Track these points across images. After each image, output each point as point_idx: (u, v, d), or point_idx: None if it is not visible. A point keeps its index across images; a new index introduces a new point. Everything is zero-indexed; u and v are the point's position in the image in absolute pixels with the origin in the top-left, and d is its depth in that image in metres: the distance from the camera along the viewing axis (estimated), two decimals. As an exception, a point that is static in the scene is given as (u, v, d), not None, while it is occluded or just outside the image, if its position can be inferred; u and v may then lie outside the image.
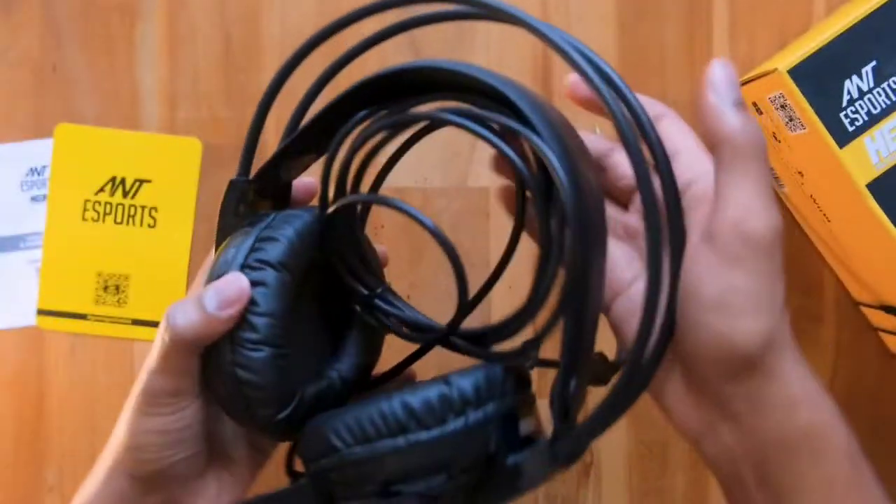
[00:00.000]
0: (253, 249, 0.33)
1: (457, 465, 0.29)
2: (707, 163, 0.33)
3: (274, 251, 0.33)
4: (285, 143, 0.36)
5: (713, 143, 0.31)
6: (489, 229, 0.50)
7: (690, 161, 0.33)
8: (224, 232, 0.35)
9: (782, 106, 0.41)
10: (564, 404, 0.30)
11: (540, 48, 0.50)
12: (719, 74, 0.31)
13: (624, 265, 0.36)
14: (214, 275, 0.33)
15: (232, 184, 0.35)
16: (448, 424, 0.30)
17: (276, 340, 0.32)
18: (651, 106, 0.34)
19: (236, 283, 0.32)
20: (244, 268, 0.33)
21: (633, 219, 0.36)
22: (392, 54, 0.50)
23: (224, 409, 0.34)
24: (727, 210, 0.30)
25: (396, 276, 0.50)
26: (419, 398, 0.30)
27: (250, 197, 0.36)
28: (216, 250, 0.35)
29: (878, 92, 0.40)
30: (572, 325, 0.29)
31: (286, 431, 0.34)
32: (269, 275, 0.33)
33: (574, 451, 0.31)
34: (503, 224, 0.51)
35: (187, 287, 0.50)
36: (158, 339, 0.33)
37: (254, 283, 0.32)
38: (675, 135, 0.34)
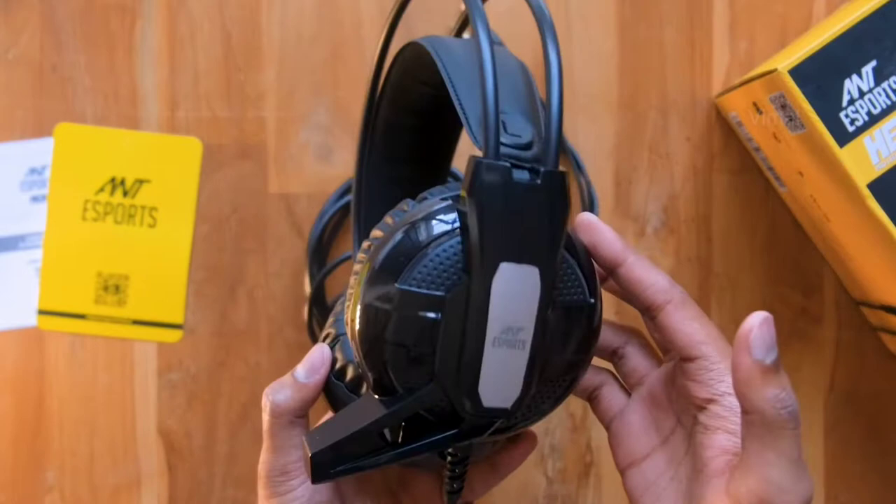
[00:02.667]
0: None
1: None
2: (728, 373, 0.31)
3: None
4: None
5: (745, 408, 0.29)
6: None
7: (714, 371, 0.32)
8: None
9: (782, 106, 0.41)
10: None
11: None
12: (756, 333, 0.29)
13: (641, 433, 0.35)
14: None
15: None
16: None
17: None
18: (661, 290, 0.33)
19: (319, 351, 0.35)
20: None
21: (657, 385, 0.36)
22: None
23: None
24: (754, 482, 0.29)
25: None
26: None
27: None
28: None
29: (878, 92, 0.40)
30: None
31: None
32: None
33: None
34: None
35: (187, 287, 0.50)
36: (264, 424, 0.35)
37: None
38: (686, 328, 0.33)
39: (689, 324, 0.33)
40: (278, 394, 0.34)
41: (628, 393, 0.36)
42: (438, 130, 0.42)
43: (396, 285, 0.29)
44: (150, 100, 0.50)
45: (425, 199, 0.31)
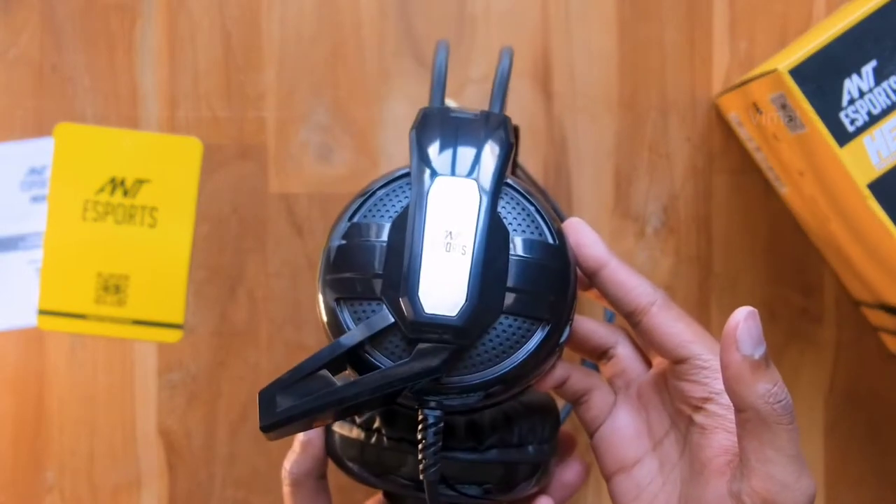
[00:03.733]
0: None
1: None
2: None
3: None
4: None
5: (737, 406, 0.29)
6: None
7: (708, 369, 0.32)
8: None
9: (783, 106, 0.41)
10: None
11: (540, 43, 0.50)
12: (743, 328, 0.28)
13: (631, 438, 0.35)
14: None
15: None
16: None
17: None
18: (643, 293, 0.33)
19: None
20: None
21: (647, 388, 0.35)
22: (392, 53, 0.50)
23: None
24: (755, 481, 0.29)
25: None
26: None
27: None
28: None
29: (878, 92, 0.40)
30: None
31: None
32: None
33: None
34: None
35: (187, 287, 0.50)
36: (285, 497, 0.36)
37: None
38: (672, 329, 0.33)
39: (674, 324, 0.33)
40: (287, 461, 0.35)
41: (613, 396, 0.36)
42: None
43: (347, 222, 0.31)
44: (150, 100, 0.50)
45: None
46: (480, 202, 0.30)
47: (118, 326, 0.50)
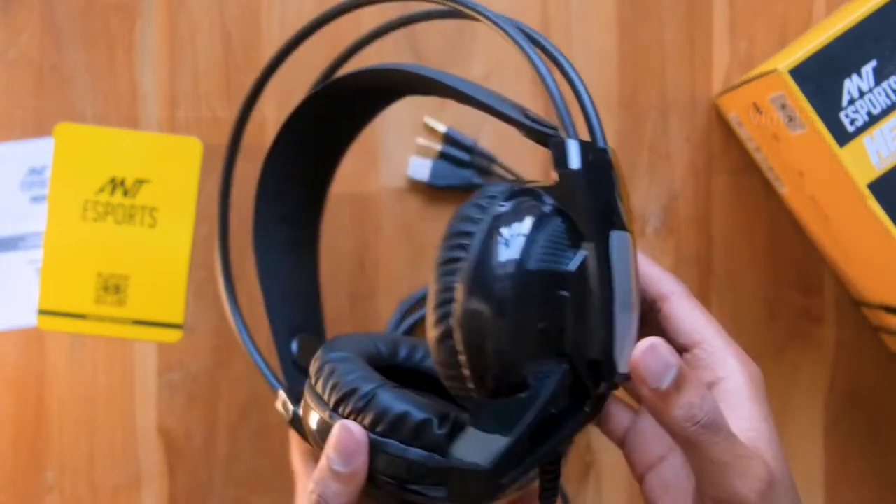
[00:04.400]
0: (315, 383, 0.34)
1: None
2: (732, 357, 0.32)
3: (339, 367, 0.34)
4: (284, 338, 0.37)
5: (666, 431, 0.30)
6: (489, 229, 0.50)
7: (715, 356, 0.32)
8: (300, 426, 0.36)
9: (783, 106, 0.41)
10: None
11: (540, 31, 0.50)
12: (643, 365, 0.28)
13: (655, 437, 0.34)
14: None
15: (279, 402, 0.37)
16: None
17: (375, 380, 0.33)
18: (666, 283, 0.34)
19: (347, 436, 0.32)
20: (319, 390, 0.34)
21: None
22: (392, 53, 0.50)
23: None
24: (704, 489, 0.30)
25: (396, 277, 0.50)
26: None
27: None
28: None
29: (878, 92, 0.40)
30: None
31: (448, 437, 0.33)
32: (339, 366, 0.34)
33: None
34: (503, 224, 0.51)
35: (187, 287, 0.50)
36: None
37: (329, 376, 0.34)
38: (688, 316, 0.33)
39: (692, 312, 0.33)
40: (328, 488, 0.32)
41: (630, 407, 0.36)
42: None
43: (515, 269, 0.28)
44: (150, 100, 0.50)
45: (489, 194, 0.31)
46: (634, 254, 0.30)
47: (118, 326, 0.50)
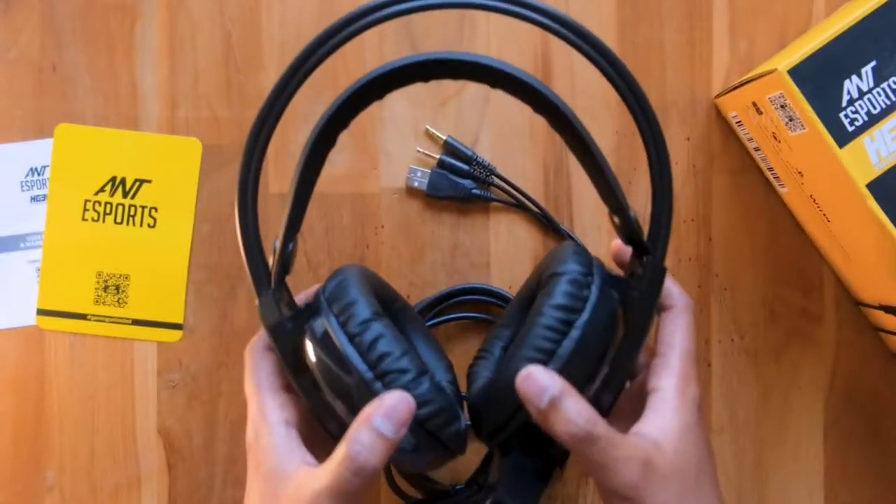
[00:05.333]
0: (344, 323, 0.36)
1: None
2: (675, 375, 0.37)
3: (362, 309, 0.36)
4: (284, 236, 0.37)
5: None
6: (489, 228, 0.50)
7: (666, 369, 0.37)
8: (287, 341, 0.36)
9: (782, 106, 0.41)
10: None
11: (540, 42, 0.50)
12: (524, 392, 0.34)
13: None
14: (347, 384, 0.35)
15: (263, 305, 0.37)
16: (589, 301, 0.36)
17: (423, 367, 0.36)
18: (673, 297, 0.39)
19: (404, 403, 0.34)
20: (353, 338, 0.35)
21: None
22: (392, 53, 0.50)
23: (406, 463, 0.37)
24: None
25: (397, 276, 0.50)
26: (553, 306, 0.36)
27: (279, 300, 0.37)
28: (286, 360, 0.36)
29: (877, 92, 0.40)
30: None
31: (465, 441, 0.37)
32: (377, 326, 0.36)
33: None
34: (503, 224, 0.51)
35: (187, 287, 0.50)
36: (329, 476, 0.34)
37: (374, 341, 0.35)
38: (669, 329, 0.38)
39: (675, 328, 0.38)
40: (371, 456, 0.33)
41: None
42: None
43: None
44: (150, 100, 0.51)
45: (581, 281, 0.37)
46: None
47: (118, 326, 0.50)
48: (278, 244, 0.37)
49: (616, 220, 0.37)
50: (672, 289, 0.39)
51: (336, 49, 0.34)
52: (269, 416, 0.37)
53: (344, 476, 0.33)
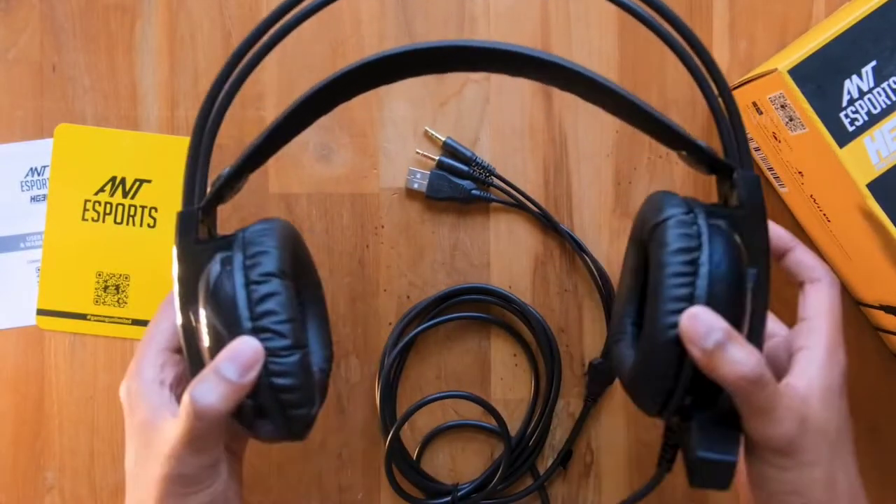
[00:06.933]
0: (248, 267, 0.34)
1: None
2: (824, 338, 0.37)
3: (270, 262, 0.34)
4: (238, 165, 0.36)
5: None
6: (489, 228, 0.50)
7: (814, 333, 0.37)
8: (190, 260, 0.35)
9: (782, 106, 0.41)
10: None
11: (540, 37, 0.50)
12: (687, 332, 0.33)
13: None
14: (222, 331, 0.34)
15: (183, 216, 0.35)
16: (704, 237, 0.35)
17: (303, 342, 0.34)
18: (816, 271, 0.39)
19: (250, 348, 0.33)
20: (249, 284, 0.34)
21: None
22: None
23: (251, 428, 0.35)
24: (756, 431, 0.35)
25: (396, 276, 0.50)
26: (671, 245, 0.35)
27: (201, 221, 0.36)
28: (181, 279, 0.35)
29: (878, 92, 0.40)
30: None
31: (309, 428, 0.36)
32: (276, 283, 0.34)
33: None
34: (503, 224, 0.51)
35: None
36: (180, 424, 0.33)
37: (268, 296, 0.34)
38: (815, 299, 0.38)
39: (821, 299, 0.38)
40: (208, 396, 0.32)
41: None
42: None
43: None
44: (150, 100, 0.50)
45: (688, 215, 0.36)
46: None
47: (118, 326, 0.50)
48: (227, 170, 0.36)
49: (685, 154, 0.37)
50: (814, 262, 0.39)
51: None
52: (142, 373, 0.36)
53: (189, 421, 0.33)
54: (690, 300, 0.34)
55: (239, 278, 0.34)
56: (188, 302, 0.35)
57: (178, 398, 0.36)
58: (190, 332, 0.35)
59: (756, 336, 0.35)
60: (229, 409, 0.33)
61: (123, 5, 0.50)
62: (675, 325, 0.34)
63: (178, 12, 0.50)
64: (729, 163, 0.36)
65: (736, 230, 0.35)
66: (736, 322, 0.34)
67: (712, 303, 0.34)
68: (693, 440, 0.35)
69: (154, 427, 0.34)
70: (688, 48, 0.35)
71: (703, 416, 0.35)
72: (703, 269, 0.34)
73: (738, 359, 0.33)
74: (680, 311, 0.34)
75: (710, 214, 0.35)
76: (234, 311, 0.34)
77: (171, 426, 0.34)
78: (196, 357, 0.35)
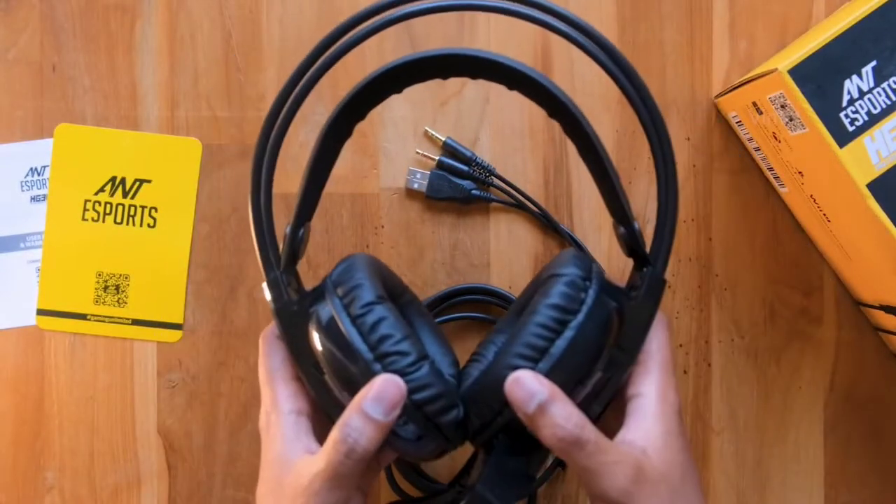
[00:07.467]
0: (347, 304, 0.36)
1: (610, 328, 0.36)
2: (655, 382, 0.37)
3: (366, 293, 0.36)
4: (295, 221, 0.37)
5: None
6: (489, 228, 0.50)
7: (646, 376, 0.37)
8: (291, 323, 0.37)
9: (782, 106, 0.41)
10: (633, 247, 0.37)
11: (540, 41, 0.50)
12: (512, 397, 0.34)
13: None
14: (348, 368, 0.35)
15: (270, 284, 0.37)
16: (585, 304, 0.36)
17: (424, 353, 0.36)
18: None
19: (394, 385, 0.35)
20: (355, 320, 0.35)
21: None
22: (392, 53, 0.50)
23: (403, 449, 0.37)
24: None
25: (396, 276, 0.50)
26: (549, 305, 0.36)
27: (287, 284, 0.37)
28: (289, 343, 0.37)
29: (878, 92, 0.40)
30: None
31: (463, 429, 0.37)
32: (380, 309, 0.36)
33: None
34: (503, 224, 0.51)
35: (187, 287, 0.50)
36: (323, 460, 0.34)
37: (376, 323, 0.35)
38: (650, 342, 0.38)
39: (655, 338, 0.38)
40: (362, 439, 0.34)
41: None
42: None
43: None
44: (150, 100, 0.50)
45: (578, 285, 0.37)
46: None
47: (118, 326, 0.50)
48: (289, 229, 0.37)
49: (621, 230, 0.37)
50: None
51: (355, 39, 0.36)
52: (279, 406, 0.37)
53: (336, 459, 0.34)
54: (543, 354, 0.35)
55: (345, 318, 0.36)
56: (303, 359, 0.37)
57: (314, 428, 0.37)
58: (317, 383, 0.36)
59: (592, 407, 0.36)
60: (377, 447, 0.35)
61: (123, 5, 0.50)
62: (515, 368, 0.35)
63: (178, 12, 0.50)
64: (648, 257, 0.37)
65: (619, 317, 0.37)
66: (573, 387, 0.35)
67: (561, 365, 0.35)
68: (482, 473, 0.36)
69: (290, 462, 0.36)
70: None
71: (504, 458, 0.36)
72: (568, 333, 0.35)
73: (556, 422, 0.33)
74: (528, 359, 0.35)
75: (604, 289, 0.37)
76: (353, 349, 0.35)
77: (308, 461, 0.35)
78: (331, 403, 0.36)
